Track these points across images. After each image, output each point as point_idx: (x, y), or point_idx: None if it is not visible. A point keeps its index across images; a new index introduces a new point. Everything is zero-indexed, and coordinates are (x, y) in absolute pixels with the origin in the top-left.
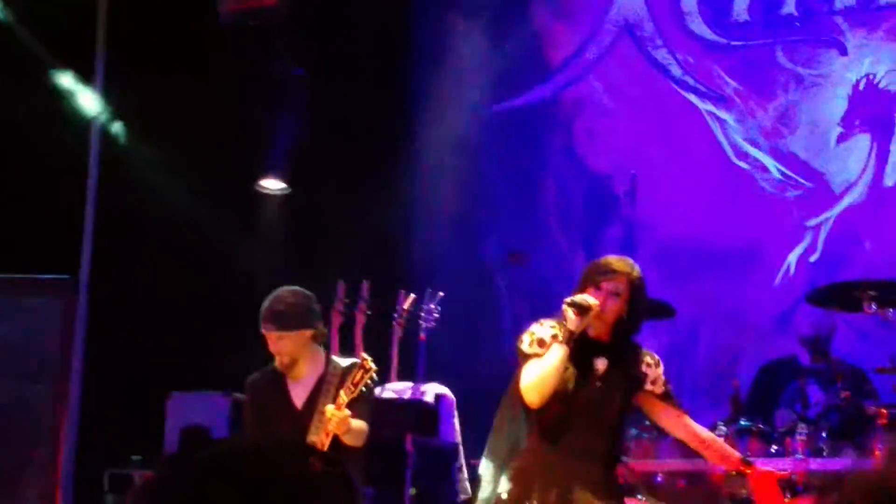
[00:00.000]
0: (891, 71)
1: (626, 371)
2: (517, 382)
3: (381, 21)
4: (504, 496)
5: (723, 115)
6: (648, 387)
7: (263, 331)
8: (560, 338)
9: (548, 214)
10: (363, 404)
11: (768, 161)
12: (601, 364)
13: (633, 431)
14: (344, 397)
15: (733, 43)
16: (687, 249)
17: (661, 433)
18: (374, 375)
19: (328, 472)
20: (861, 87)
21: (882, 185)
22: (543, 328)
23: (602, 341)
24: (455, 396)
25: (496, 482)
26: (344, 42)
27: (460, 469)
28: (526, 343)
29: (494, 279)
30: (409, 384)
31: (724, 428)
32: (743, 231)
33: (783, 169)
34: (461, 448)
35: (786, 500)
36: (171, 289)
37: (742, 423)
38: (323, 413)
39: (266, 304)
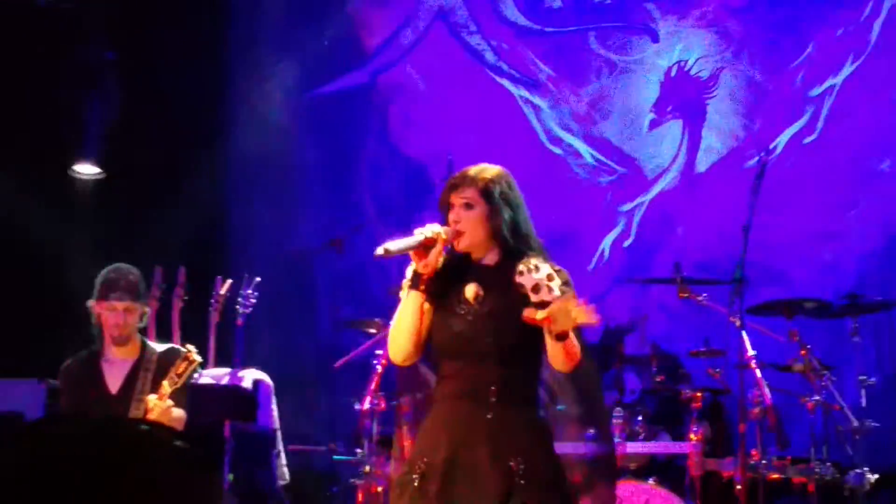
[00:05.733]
0: (701, 58)
1: (508, 291)
2: None
3: (196, 4)
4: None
5: (537, 100)
6: (534, 297)
7: (114, 300)
8: (408, 280)
9: (364, 200)
10: (182, 392)
11: (581, 146)
12: (470, 290)
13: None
14: (167, 388)
15: (547, 29)
16: None
17: None
18: (200, 368)
19: (181, 447)
20: (673, 73)
21: (694, 170)
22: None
23: (490, 266)
24: (273, 382)
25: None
26: (158, 25)
27: (278, 455)
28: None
29: (311, 264)
30: (227, 370)
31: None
32: (558, 216)
33: (596, 154)
34: (279, 434)
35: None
36: None
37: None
38: (142, 400)
39: (111, 275)
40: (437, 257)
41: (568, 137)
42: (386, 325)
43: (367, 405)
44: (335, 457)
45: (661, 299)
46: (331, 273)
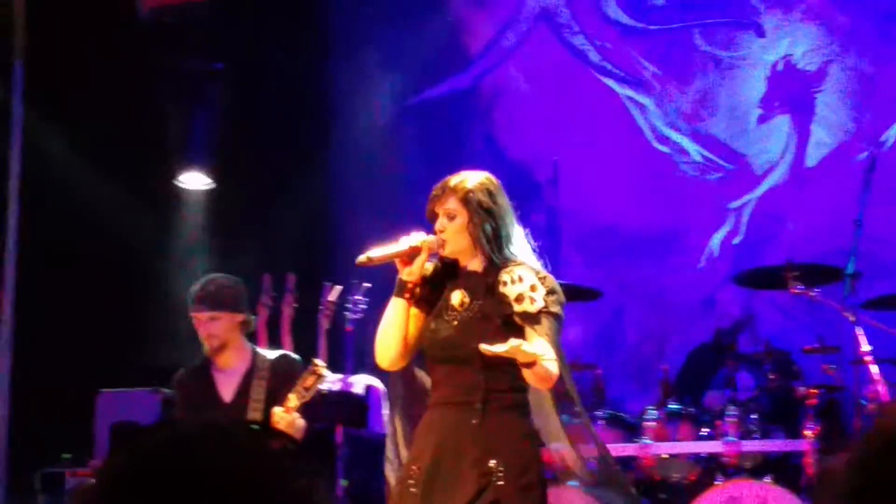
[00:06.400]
0: (808, 52)
1: (492, 297)
2: None
3: (298, 13)
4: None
5: (642, 99)
6: (517, 307)
7: (193, 313)
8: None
9: None
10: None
11: (689, 144)
12: (456, 297)
13: (564, 418)
14: (294, 401)
15: (650, 27)
16: (611, 234)
17: (592, 419)
18: (326, 381)
19: (286, 449)
20: (779, 68)
21: (804, 165)
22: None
23: (476, 272)
24: (384, 387)
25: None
26: (261, 34)
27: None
28: None
29: None
30: (338, 376)
31: (654, 412)
32: (666, 214)
33: (704, 152)
34: None
35: (717, 483)
36: (97, 287)
37: (672, 406)
38: (257, 409)
39: (197, 286)
40: (421, 266)
41: (675, 136)
42: None
43: None
44: None
45: (772, 296)
46: None
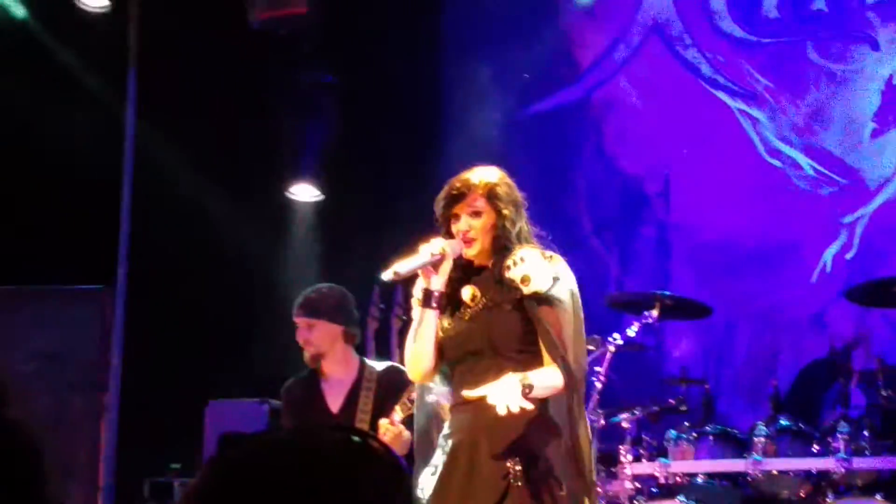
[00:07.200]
0: None
1: (500, 286)
2: None
3: (410, 27)
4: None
5: (755, 113)
6: (525, 289)
7: (295, 319)
8: (421, 300)
9: (581, 217)
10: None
11: (801, 158)
12: (467, 293)
13: (672, 433)
14: (400, 413)
15: (763, 40)
16: (722, 248)
17: (701, 434)
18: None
19: (384, 454)
20: (894, 81)
21: None
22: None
23: (486, 267)
24: None
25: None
26: (373, 47)
27: None
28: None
29: None
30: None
31: (764, 428)
32: (778, 229)
33: (817, 166)
34: None
35: (828, 500)
36: (206, 297)
37: (782, 422)
38: (364, 420)
39: (298, 296)
40: (447, 272)
41: (787, 149)
42: (605, 342)
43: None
44: None
45: (885, 312)
46: None
